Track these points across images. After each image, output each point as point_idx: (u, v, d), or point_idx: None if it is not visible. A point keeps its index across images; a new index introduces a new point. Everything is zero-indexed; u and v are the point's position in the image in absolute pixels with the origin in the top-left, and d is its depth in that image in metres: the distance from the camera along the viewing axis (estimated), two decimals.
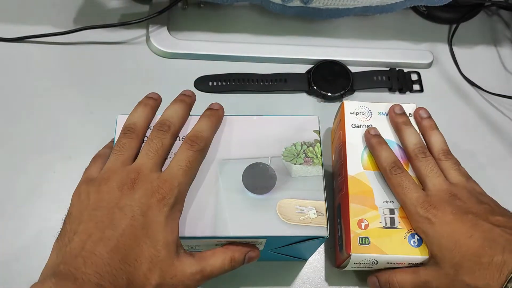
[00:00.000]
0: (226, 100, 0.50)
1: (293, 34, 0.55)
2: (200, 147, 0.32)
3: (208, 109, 0.36)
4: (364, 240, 0.36)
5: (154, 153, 0.32)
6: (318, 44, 0.54)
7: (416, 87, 0.53)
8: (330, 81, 0.51)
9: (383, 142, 0.39)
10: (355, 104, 0.42)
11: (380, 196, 0.37)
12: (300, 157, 0.34)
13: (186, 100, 0.35)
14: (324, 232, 0.32)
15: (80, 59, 0.52)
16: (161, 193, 0.29)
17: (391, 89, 0.52)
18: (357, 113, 0.41)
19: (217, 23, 0.55)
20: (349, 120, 0.41)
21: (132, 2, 0.55)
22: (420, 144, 0.38)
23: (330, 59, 0.52)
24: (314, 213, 0.32)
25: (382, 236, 0.36)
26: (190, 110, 0.36)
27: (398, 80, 0.52)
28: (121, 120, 0.34)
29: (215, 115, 0.35)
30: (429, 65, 0.54)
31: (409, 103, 0.42)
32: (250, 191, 0.33)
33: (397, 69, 0.53)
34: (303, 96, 0.51)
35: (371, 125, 0.41)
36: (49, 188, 0.44)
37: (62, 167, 0.45)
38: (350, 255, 0.35)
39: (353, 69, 0.52)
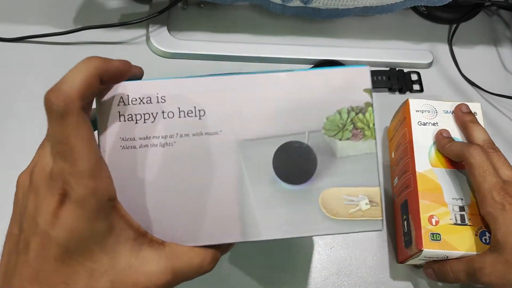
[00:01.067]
0: None
1: (293, 34, 0.55)
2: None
3: None
4: (436, 236, 0.36)
5: None
6: (318, 44, 0.54)
7: (416, 87, 0.53)
8: None
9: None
10: (420, 102, 0.42)
11: (449, 193, 0.38)
12: (347, 129, 0.26)
13: None
14: (379, 226, 0.26)
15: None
16: None
17: (391, 89, 0.52)
18: (422, 111, 0.42)
19: (217, 23, 0.55)
20: (415, 117, 0.41)
21: (132, 2, 0.55)
22: (489, 140, 0.39)
23: (330, 59, 0.52)
24: (367, 203, 0.26)
25: (453, 233, 0.36)
26: None
27: (398, 80, 0.52)
28: None
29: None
30: (429, 65, 0.54)
31: (473, 102, 0.42)
32: (284, 180, 0.26)
33: (397, 69, 0.53)
34: None
35: (437, 123, 0.41)
36: None
37: None
38: (422, 250, 0.36)
39: None
